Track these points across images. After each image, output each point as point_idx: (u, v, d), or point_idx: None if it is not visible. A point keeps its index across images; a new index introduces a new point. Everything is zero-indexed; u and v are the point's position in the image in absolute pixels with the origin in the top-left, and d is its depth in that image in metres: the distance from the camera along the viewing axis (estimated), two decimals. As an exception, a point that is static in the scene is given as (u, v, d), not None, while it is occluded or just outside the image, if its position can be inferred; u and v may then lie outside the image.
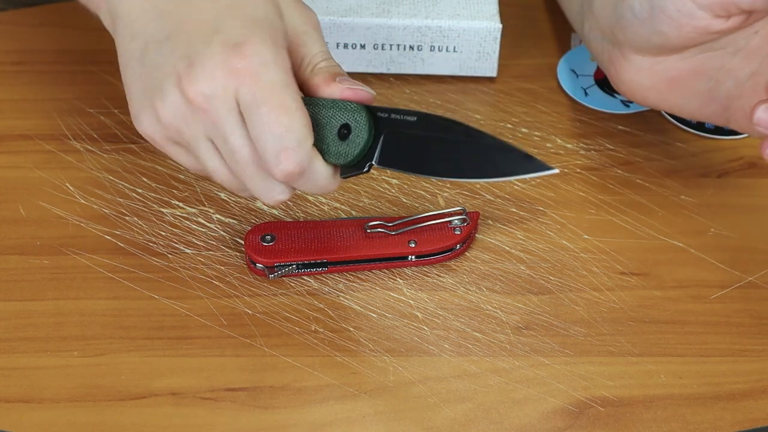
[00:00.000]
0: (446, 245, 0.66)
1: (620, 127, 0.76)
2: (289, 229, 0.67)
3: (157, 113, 0.59)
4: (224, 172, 0.61)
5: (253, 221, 0.69)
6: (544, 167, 0.62)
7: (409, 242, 0.66)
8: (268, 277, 0.66)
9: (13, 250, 0.67)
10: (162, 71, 0.58)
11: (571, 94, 0.78)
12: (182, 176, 0.71)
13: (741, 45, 0.64)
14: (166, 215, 0.69)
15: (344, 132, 0.61)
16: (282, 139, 0.57)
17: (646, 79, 0.67)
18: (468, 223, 0.67)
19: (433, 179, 0.71)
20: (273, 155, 0.58)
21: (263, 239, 0.66)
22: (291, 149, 0.58)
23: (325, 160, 0.60)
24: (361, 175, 0.62)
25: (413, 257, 0.67)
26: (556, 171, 0.62)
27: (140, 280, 0.66)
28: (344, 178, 0.62)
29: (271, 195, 0.61)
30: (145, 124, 0.60)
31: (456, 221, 0.67)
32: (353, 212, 0.70)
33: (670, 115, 0.77)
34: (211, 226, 0.69)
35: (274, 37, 0.59)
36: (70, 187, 0.71)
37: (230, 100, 0.58)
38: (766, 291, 0.67)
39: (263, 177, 0.60)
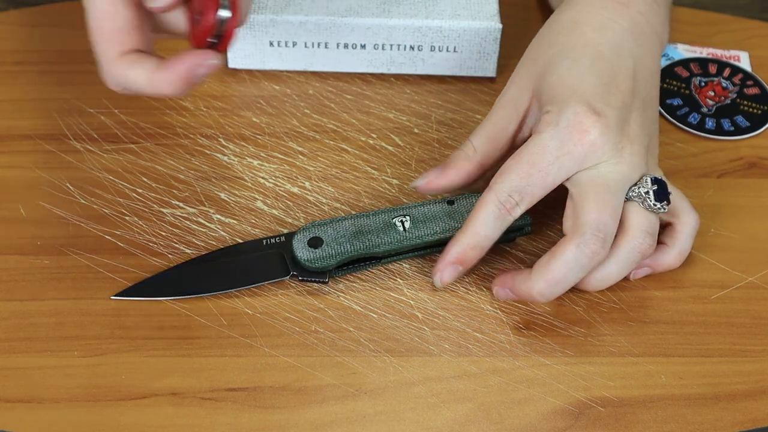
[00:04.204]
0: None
1: (620, 127, 0.76)
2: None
3: None
4: None
5: (253, 221, 0.69)
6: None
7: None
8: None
9: (13, 250, 0.67)
10: None
11: (571, 95, 0.78)
12: (182, 176, 0.72)
13: None
14: (166, 215, 0.69)
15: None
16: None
17: None
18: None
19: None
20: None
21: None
22: None
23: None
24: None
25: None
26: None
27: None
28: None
29: None
30: None
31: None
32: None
33: (670, 115, 0.77)
34: (211, 226, 0.69)
35: None
36: (70, 187, 0.71)
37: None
38: (766, 291, 0.67)
39: None
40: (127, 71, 0.59)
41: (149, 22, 0.61)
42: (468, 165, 0.67)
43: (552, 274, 0.62)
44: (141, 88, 0.59)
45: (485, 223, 0.63)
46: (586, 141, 0.62)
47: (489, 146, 0.67)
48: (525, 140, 0.65)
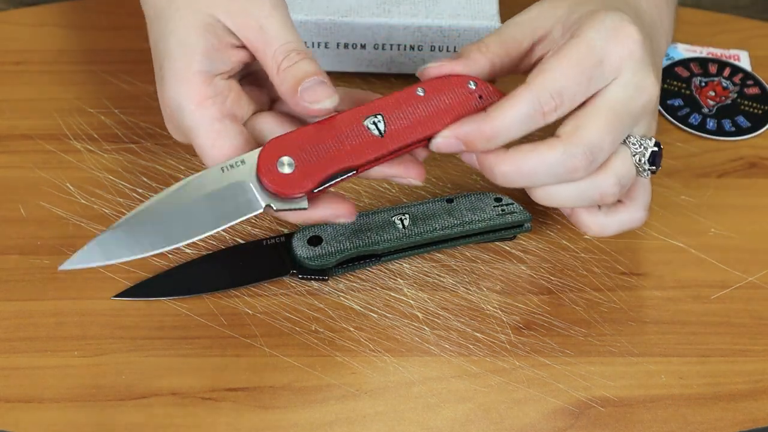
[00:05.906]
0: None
1: (620, 127, 0.76)
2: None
3: None
4: None
5: (253, 221, 0.69)
6: None
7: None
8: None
9: (13, 250, 0.67)
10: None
11: (571, 94, 0.78)
12: (182, 176, 0.71)
13: None
14: (166, 215, 0.69)
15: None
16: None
17: None
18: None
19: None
20: None
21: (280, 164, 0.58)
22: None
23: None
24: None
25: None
26: None
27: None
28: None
29: None
30: None
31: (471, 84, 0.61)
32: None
33: (671, 115, 0.77)
34: (211, 226, 0.69)
35: (186, 62, 0.59)
36: (71, 187, 0.71)
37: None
38: (766, 291, 0.67)
39: None
40: None
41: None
42: (480, 57, 0.60)
43: (526, 165, 0.58)
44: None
45: (512, 121, 0.58)
46: (628, 43, 0.58)
47: (501, 49, 0.61)
48: (533, 65, 0.60)
